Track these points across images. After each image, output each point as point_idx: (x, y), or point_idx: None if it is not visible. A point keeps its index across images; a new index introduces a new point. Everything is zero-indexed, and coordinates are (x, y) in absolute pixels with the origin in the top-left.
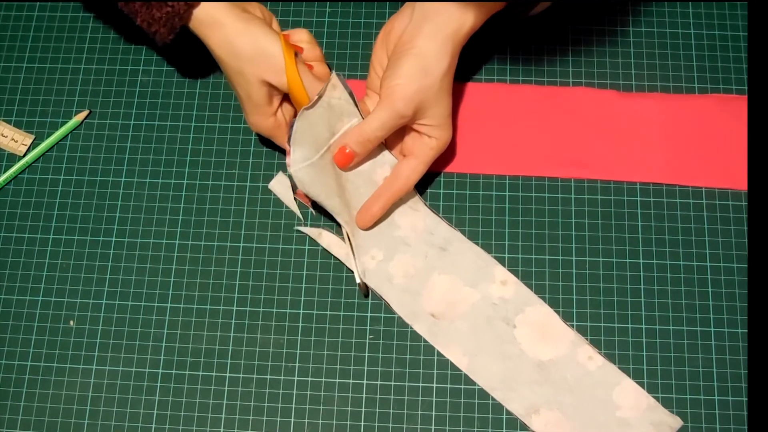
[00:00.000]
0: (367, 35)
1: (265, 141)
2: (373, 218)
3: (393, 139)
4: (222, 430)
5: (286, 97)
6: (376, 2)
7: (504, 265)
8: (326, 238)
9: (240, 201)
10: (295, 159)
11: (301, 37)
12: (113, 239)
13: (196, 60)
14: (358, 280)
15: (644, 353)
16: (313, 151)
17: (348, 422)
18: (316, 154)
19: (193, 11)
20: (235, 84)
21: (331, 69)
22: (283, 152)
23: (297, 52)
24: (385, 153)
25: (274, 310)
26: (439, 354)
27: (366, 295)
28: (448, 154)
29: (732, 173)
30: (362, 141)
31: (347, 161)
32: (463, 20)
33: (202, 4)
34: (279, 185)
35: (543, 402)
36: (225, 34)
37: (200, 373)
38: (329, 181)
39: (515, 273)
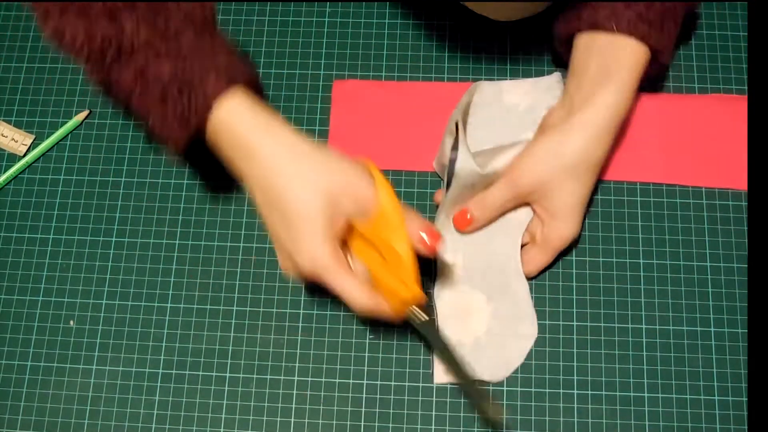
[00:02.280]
0: (367, 35)
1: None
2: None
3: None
4: (222, 430)
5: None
6: (376, 2)
7: None
8: None
9: (240, 201)
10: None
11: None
12: (113, 239)
13: None
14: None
15: (644, 353)
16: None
17: (348, 422)
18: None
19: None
20: (286, 200)
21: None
22: None
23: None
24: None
25: (274, 310)
26: None
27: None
28: None
29: (732, 173)
30: (482, 209)
31: (465, 224)
32: (616, 110)
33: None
34: None
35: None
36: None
37: (200, 373)
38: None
39: None
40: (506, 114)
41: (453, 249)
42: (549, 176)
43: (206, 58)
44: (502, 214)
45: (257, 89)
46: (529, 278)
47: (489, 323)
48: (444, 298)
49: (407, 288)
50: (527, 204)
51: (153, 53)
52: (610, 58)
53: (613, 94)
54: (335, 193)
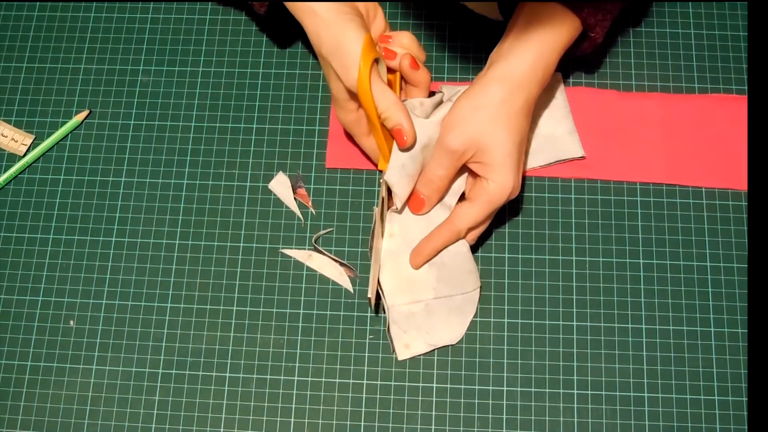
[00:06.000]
0: None
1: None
2: (425, 260)
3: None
4: (222, 430)
5: None
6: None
7: (504, 265)
8: (316, 260)
9: (240, 201)
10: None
11: (401, 40)
12: (113, 239)
13: (196, 60)
14: (369, 294)
15: (644, 353)
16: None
17: (348, 422)
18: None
19: None
20: (324, 73)
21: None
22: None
23: (379, 57)
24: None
25: (274, 310)
26: (439, 354)
27: (375, 311)
28: None
29: (732, 173)
30: (428, 185)
31: (421, 206)
32: (532, 66)
33: None
34: (279, 185)
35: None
36: (315, 23)
37: (200, 373)
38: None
39: (515, 273)
40: None
41: (389, 220)
42: (476, 130)
43: None
44: (450, 183)
45: None
46: (464, 236)
47: (435, 287)
48: (386, 269)
49: (384, 162)
50: (466, 168)
51: None
52: (536, 21)
53: (529, 51)
54: (343, 82)
